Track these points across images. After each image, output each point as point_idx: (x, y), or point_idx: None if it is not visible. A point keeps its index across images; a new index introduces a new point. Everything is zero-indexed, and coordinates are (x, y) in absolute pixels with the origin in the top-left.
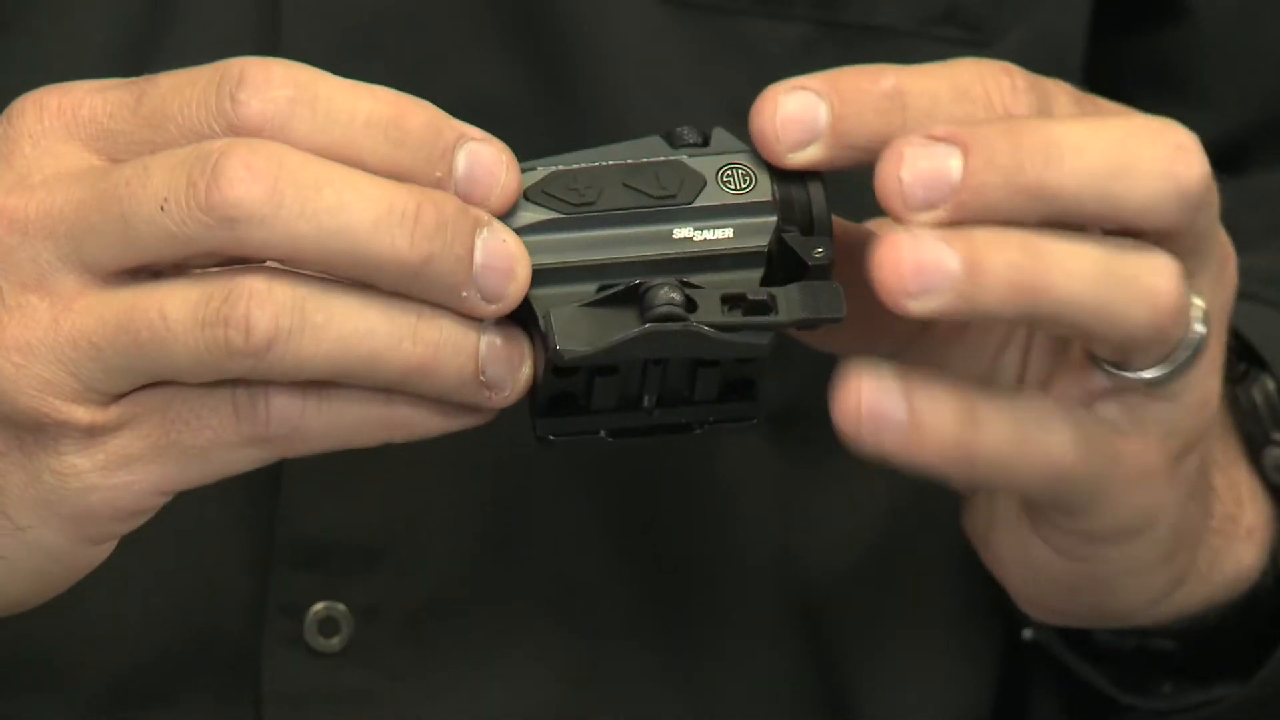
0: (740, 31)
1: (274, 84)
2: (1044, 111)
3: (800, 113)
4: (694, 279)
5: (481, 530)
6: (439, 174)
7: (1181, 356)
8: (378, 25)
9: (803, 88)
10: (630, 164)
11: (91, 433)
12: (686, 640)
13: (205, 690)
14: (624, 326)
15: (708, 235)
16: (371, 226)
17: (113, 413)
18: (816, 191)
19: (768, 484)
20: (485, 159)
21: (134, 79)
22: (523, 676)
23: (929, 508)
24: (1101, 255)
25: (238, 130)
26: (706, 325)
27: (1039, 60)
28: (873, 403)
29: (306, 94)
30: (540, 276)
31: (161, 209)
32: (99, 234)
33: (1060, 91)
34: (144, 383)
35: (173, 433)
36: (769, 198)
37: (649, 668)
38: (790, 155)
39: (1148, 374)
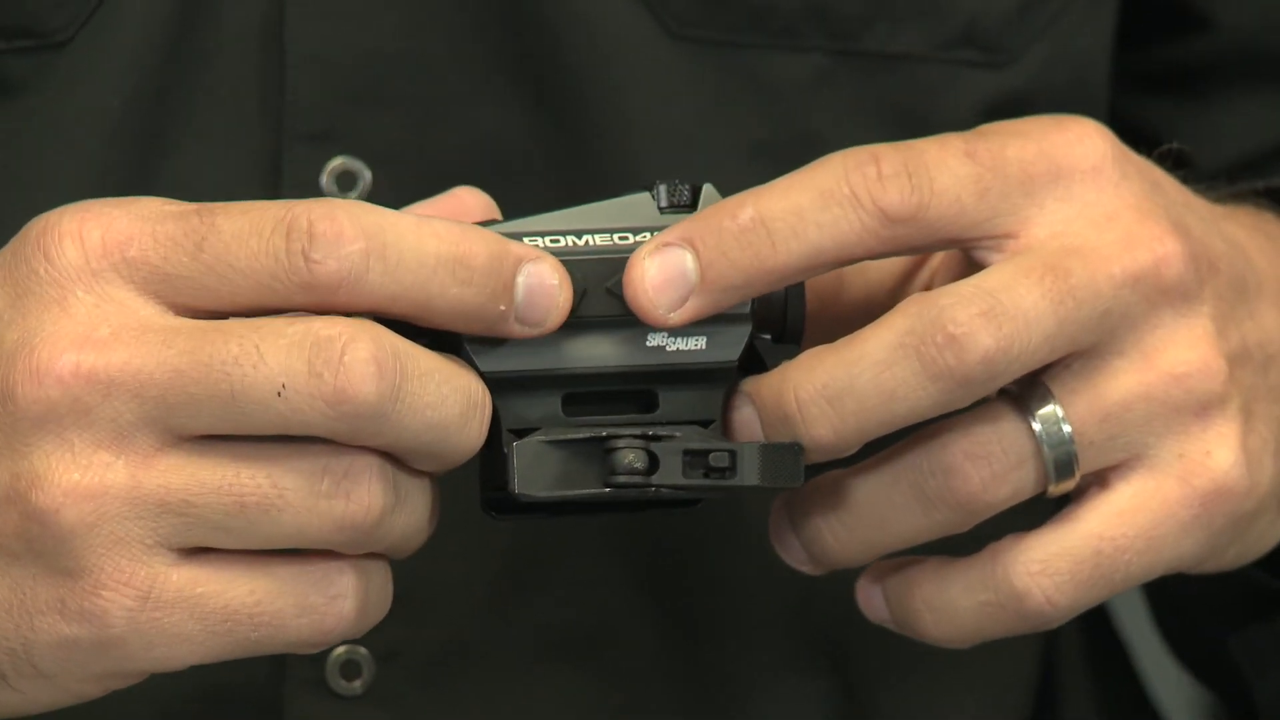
0: (753, 66)
1: (345, 239)
2: (920, 190)
3: (667, 271)
4: (661, 394)
5: (501, 574)
6: (503, 307)
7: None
8: (385, 73)
9: (665, 245)
10: (616, 258)
11: (145, 601)
12: (712, 681)
13: None
14: (585, 479)
15: (680, 345)
16: (460, 419)
17: (175, 578)
18: (795, 299)
19: None
20: (542, 281)
21: (181, 209)
22: (545, 718)
23: (952, 540)
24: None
25: (314, 289)
26: (666, 487)
27: (1061, 79)
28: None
29: (377, 244)
30: (507, 385)
31: (279, 394)
32: (199, 405)
33: (945, 155)
34: (228, 545)
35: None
36: (747, 308)
37: (673, 709)
38: (671, 316)
39: (1051, 491)
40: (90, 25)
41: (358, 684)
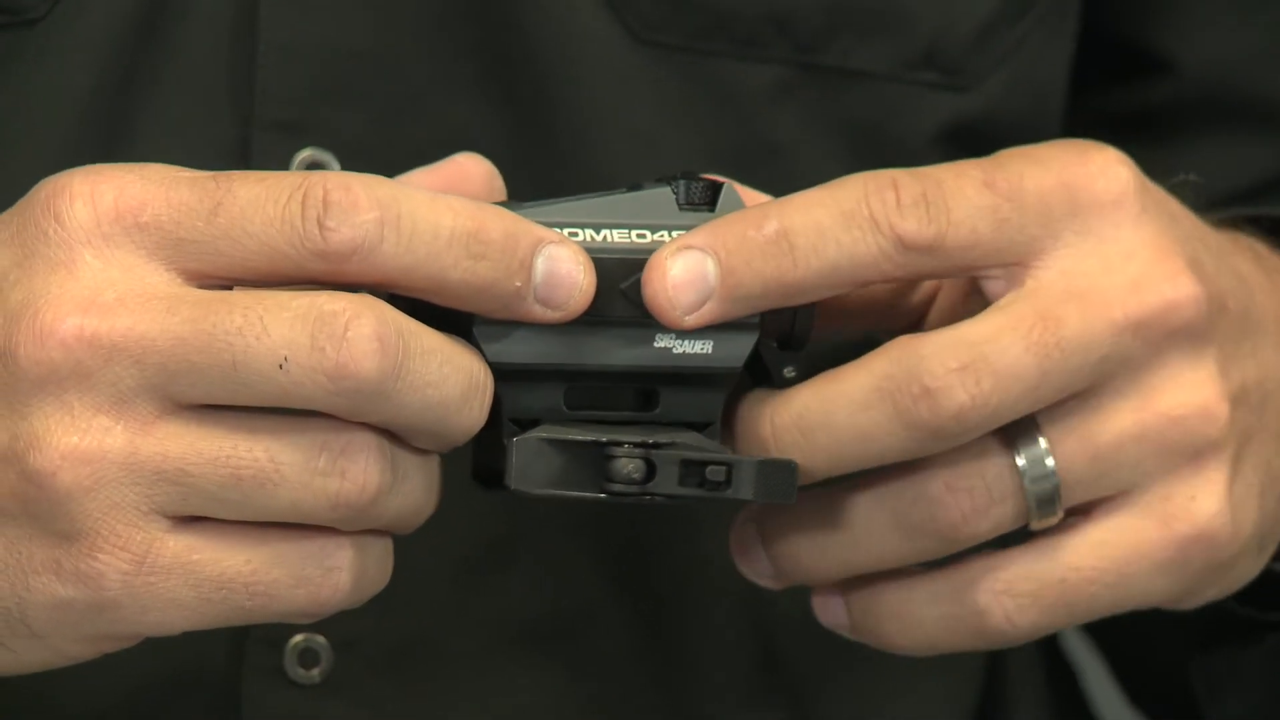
0: (716, 73)
1: (360, 208)
2: (937, 220)
3: (689, 274)
4: (663, 393)
5: (462, 563)
6: (519, 283)
7: (1041, 509)
8: (354, 69)
9: (688, 247)
10: (632, 259)
11: (141, 565)
12: (678, 671)
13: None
14: (581, 481)
15: (686, 348)
16: (461, 400)
17: (172, 544)
18: (804, 307)
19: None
20: (563, 263)
21: (194, 174)
22: (504, 709)
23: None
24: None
25: (327, 257)
26: (661, 495)
27: (1020, 106)
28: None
29: (391, 214)
30: (512, 374)
31: (280, 367)
32: (200, 374)
33: (962, 184)
34: (223, 516)
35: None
36: (755, 315)
37: (639, 700)
38: (687, 318)
39: (1034, 525)
40: (63, 3)
41: (316, 672)
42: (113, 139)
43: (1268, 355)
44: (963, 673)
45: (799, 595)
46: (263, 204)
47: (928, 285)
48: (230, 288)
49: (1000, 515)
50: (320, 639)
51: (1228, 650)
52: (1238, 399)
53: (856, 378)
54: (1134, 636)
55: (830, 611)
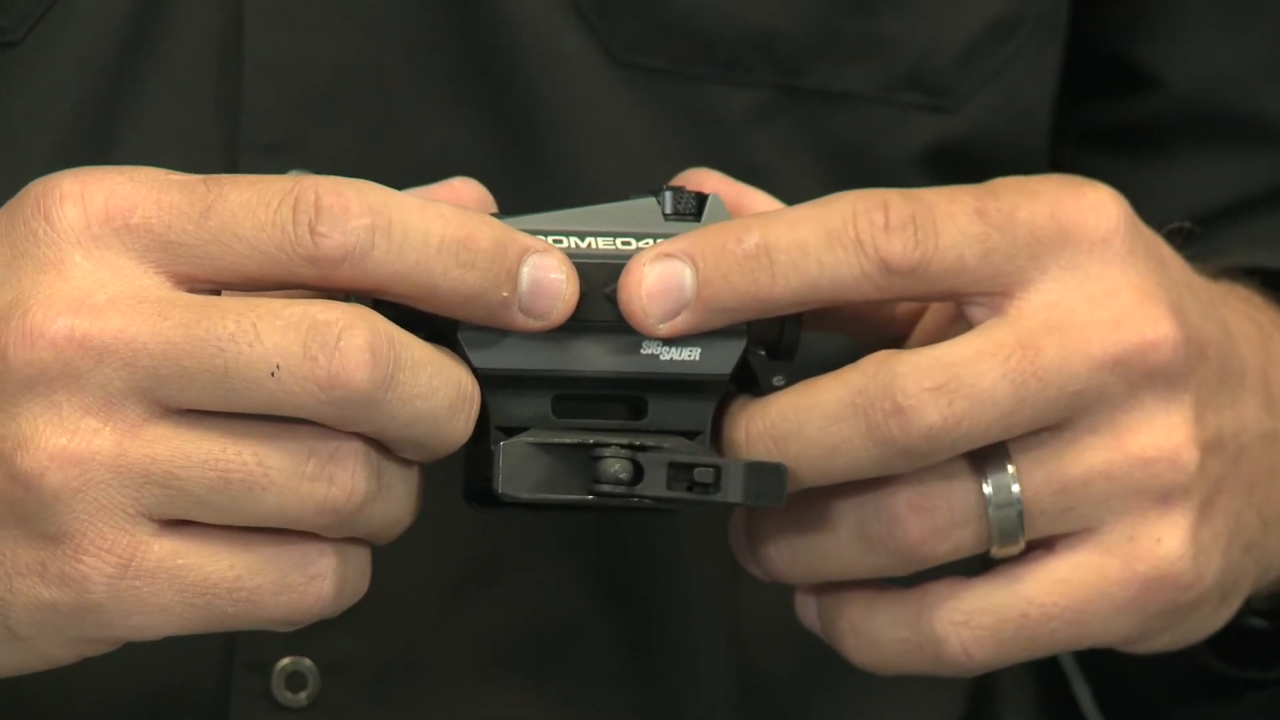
0: (698, 97)
1: (352, 214)
2: (924, 245)
3: (665, 282)
4: (651, 402)
5: (449, 585)
6: (505, 294)
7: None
8: (340, 86)
9: (667, 255)
10: (616, 264)
11: (126, 569)
12: (666, 691)
13: None
14: (569, 484)
15: (674, 355)
16: (449, 412)
17: (157, 548)
18: (792, 317)
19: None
20: (548, 272)
21: (185, 178)
22: None
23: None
24: None
25: (318, 262)
26: (648, 498)
27: (1004, 127)
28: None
29: (382, 221)
30: (498, 382)
31: (272, 375)
32: (191, 379)
33: (954, 210)
34: (210, 520)
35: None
36: (743, 323)
37: (622, 715)
38: (661, 326)
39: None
40: (42, 26)
41: (303, 695)
42: (97, 160)
43: (1246, 408)
44: (949, 685)
45: (783, 610)
46: (254, 208)
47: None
48: (219, 292)
49: (961, 539)
50: (307, 662)
51: (1208, 706)
52: (1211, 446)
53: (831, 389)
54: (1118, 676)
55: (806, 613)
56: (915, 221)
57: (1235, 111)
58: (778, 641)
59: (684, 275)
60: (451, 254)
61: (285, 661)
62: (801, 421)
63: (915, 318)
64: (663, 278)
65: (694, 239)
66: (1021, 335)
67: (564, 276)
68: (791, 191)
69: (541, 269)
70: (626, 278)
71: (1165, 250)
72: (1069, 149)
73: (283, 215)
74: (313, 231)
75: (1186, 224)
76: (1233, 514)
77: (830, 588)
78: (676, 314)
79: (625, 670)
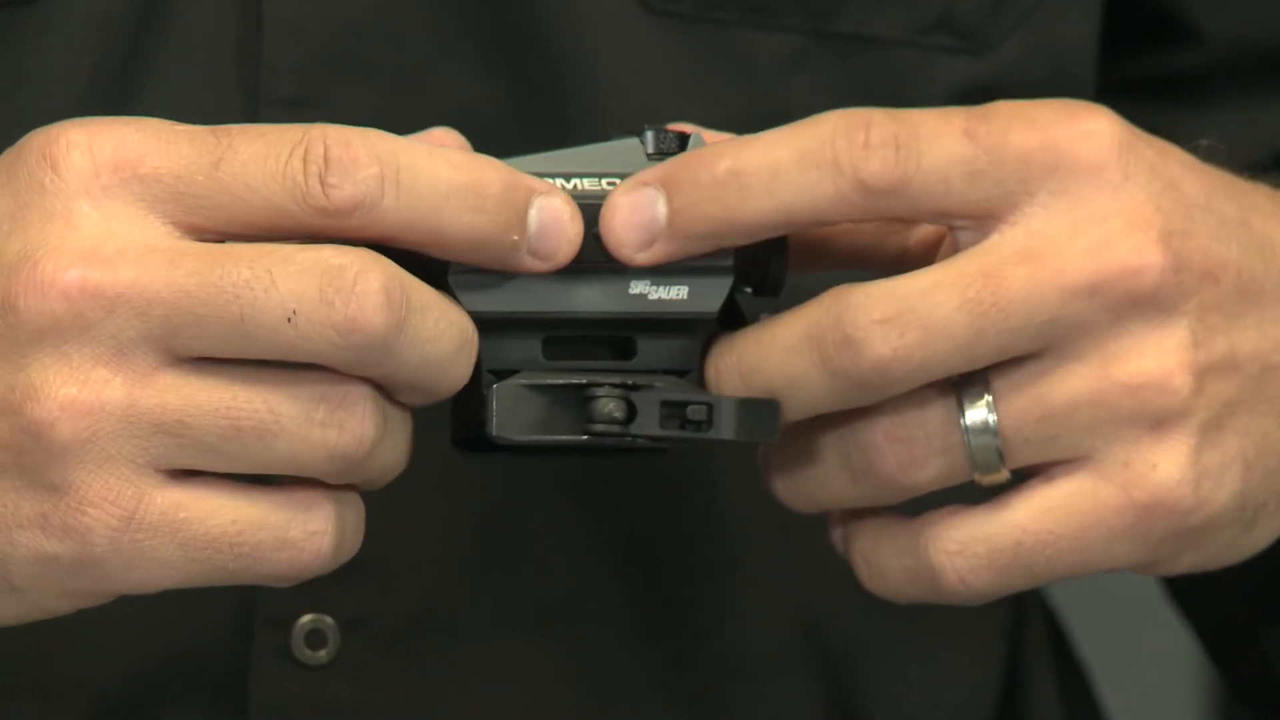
0: (729, 42)
1: (361, 164)
2: (905, 164)
3: (638, 212)
4: (640, 342)
5: (469, 544)
6: (515, 237)
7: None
8: (360, 40)
9: (641, 184)
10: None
11: (129, 522)
12: (682, 652)
13: (194, 702)
14: (563, 424)
15: (662, 294)
16: (454, 355)
17: (160, 500)
18: (778, 254)
19: (763, 490)
20: (554, 214)
21: (193, 129)
22: (512, 690)
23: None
24: None
25: (329, 213)
26: (642, 437)
27: (1039, 70)
28: None
29: (391, 170)
30: (489, 325)
31: (289, 320)
32: (206, 327)
33: (941, 130)
34: (220, 469)
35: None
36: (729, 260)
37: (642, 680)
38: (638, 255)
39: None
40: None
41: (323, 653)
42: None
43: (1278, 325)
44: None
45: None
46: (264, 159)
47: (922, 230)
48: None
49: (940, 468)
50: (328, 619)
51: None
52: (1219, 369)
53: (790, 323)
54: (1208, 595)
55: (837, 541)
56: (897, 140)
57: (1276, 61)
58: (833, 599)
59: (656, 204)
60: (461, 199)
61: (306, 619)
62: (763, 356)
63: (930, 250)
64: (636, 207)
65: (667, 167)
66: (986, 265)
67: (569, 216)
68: None
69: (548, 210)
70: (605, 208)
71: (1176, 170)
72: (1110, 101)
73: (293, 167)
74: (323, 183)
75: (1206, 141)
76: (1255, 435)
77: (847, 516)
78: (652, 242)
79: (651, 629)
